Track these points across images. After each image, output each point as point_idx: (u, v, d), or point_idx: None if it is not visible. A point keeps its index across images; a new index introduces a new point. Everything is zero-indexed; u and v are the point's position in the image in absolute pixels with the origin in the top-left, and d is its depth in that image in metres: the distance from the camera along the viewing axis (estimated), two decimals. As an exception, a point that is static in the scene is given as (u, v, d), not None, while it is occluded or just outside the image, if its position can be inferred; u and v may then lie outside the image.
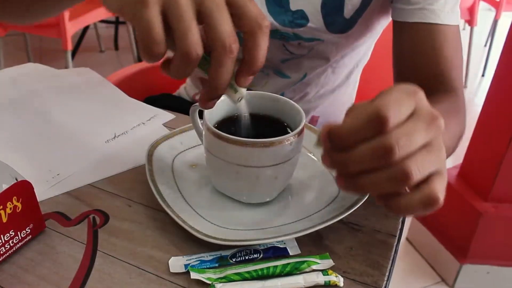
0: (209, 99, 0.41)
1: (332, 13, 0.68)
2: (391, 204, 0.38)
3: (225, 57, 0.38)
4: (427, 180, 0.37)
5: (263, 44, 0.39)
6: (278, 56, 0.75)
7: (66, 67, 2.09)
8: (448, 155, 0.64)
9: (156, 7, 0.36)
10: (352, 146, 0.36)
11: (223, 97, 0.50)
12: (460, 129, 0.63)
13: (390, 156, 0.35)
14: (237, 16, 0.39)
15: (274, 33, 0.71)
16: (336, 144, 0.37)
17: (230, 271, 0.41)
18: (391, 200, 0.38)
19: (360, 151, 0.36)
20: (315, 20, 0.68)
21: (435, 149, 0.37)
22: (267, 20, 0.39)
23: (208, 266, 0.42)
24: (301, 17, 0.69)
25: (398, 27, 0.68)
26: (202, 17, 0.37)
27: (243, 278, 0.40)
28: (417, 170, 0.35)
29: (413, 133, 0.35)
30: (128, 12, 0.38)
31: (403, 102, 0.36)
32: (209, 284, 0.40)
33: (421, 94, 0.38)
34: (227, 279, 0.40)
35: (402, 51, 0.69)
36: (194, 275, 0.40)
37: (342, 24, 0.69)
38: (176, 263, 0.42)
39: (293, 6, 0.68)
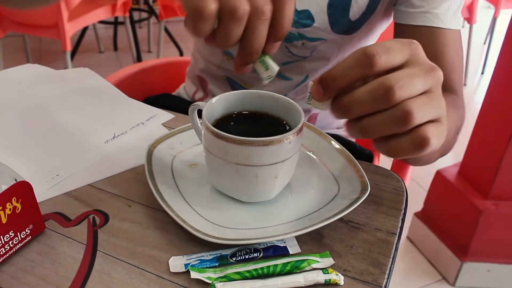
0: (243, 64, 0.43)
1: (338, 13, 0.68)
2: (381, 145, 0.39)
3: (257, 19, 0.39)
4: (422, 124, 0.37)
5: (288, 8, 0.40)
6: (280, 58, 0.75)
7: (66, 68, 2.09)
8: (448, 148, 0.64)
9: None
10: (344, 88, 0.37)
11: (222, 95, 0.50)
12: (458, 122, 0.63)
13: (390, 96, 0.35)
14: None
15: None
16: (329, 88, 0.38)
17: (230, 270, 0.41)
18: (381, 142, 0.38)
19: (360, 93, 0.36)
20: (321, 20, 0.68)
21: (435, 97, 0.38)
22: None
23: (208, 266, 0.42)
24: (306, 17, 0.69)
25: (400, 30, 0.68)
26: None
27: (243, 277, 0.40)
28: (418, 111, 0.36)
29: (412, 77, 0.36)
30: None
31: (394, 47, 0.37)
32: (209, 283, 0.40)
33: (416, 45, 0.38)
34: (227, 278, 0.40)
35: None
36: (194, 275, 0.40)
37: (347, 25, 0.69)
38: (176, 263, 0.42)
39: (299, 6, 0.68)
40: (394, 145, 0.38)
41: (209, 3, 0.38)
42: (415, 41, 0.39)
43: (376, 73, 0.36)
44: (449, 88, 0.67)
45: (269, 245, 0.44)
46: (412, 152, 0.37)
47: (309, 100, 0.41)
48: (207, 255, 0.43)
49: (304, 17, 0.69)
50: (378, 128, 0.37)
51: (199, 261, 0.42)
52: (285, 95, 0.79)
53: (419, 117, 0.36)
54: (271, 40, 0.42)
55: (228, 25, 0.39)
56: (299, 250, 0.45)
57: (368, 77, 0.37)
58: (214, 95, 0.86)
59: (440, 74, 0.38)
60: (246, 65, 0.43)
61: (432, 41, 0.65)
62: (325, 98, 0.39)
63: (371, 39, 0.78)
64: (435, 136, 0.37)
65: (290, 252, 0.44)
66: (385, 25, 0.76)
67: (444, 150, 0.64)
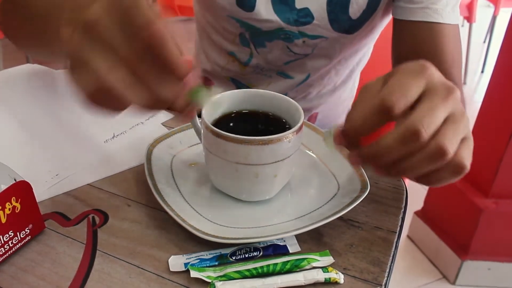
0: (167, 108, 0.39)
1: (337, 10, 0.68)
2: (425, 180, 0.40)
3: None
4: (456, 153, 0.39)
5: (168, 52, 0.36)
6: (282, 58, 0.75)
7: (66, 68, 2.08)
8: None
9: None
10: (367, 138, 0.38)
11: (221, 94, 0.50)
12: None
13: (419, 138, 0.36)
14: None
15: (278, 31, 0.71)
16: (353, 140, 0.39)
17: (230, 269, 0.41)
18: (426, 176, 0.39)
19: (388, 140, 0.37)
20: (320, 17, 0.68)
21: (458, 119, 0.38)
22: (153, 25, 0.36)
23: (208, 265, 0.42)
24: (306, 15, 0.69)
25: (399, 25, 0.68)
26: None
27: (243, 276, 0.40)
28: (451, 144, 0.37)
29: (433, 110, 0.37)
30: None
31: (409, 85, 0.37)
32: (209, 282, 0.40)
33: (431, 70, 0.38)
34: (227, 277, 0.40)
35: (403, 49, 0.69)
36: (194, 274, 0.40)
37: (347, 24, 0.69)
38: (176, 262, 0.42)
39: (298, 4, 0.68)
40: (435, 178, 0.39)
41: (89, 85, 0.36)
42: (428, 65, 0.39)
43: (397, 116, 0.37)
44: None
45: (269, 244, 0.44)
46: (452, 179, 0.40)
47: (327, 141, 0.42)
48: (207, 254, 0.43)
49: (303, 15, 0.69)
50: (418, 168, 0.38)
51: (198, 260, 0.42)
52: (286, 94, 0.79)
53: (452, 149, 0.37)
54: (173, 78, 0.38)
55: (114, 97, 0.36)
56: (298, 249, 0.45)
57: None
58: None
59: (457, 94, 0.38)
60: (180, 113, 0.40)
61: (431, 37, 0.65)
62: (348, 145, 0.40)
63: (372, 38, 0.78)
64: (468, 158, 0.40)
65: (290, 251, 0.44)
66: (385, 23, 0.76)
67: None
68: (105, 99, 0.37)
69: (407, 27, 0.66)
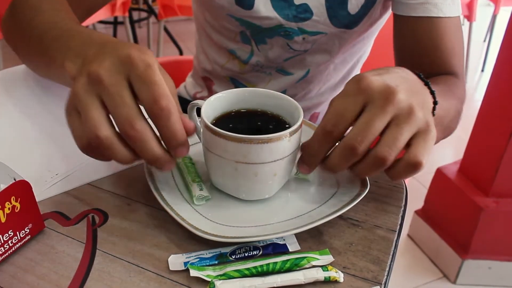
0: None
1: (336, 6, 0.68)
2: (387, 174, 0.44)
3: (132, 142, 0.40)
4: (408, 144, 0.42)
5: (167, 123, 0.41)
6: (282, 55, 0.75)
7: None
8: (451, 130, 0.64)
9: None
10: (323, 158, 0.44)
11: (220, 93, 0.50)
12: (458, 103, 0.63)
13: (356, 152, 0.41)
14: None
15: (278, 28, 0.71)
16: (310, 164, 0.45)
17: (229, 268, 0.41)
18: (386, 172, 0.44)
19: (333, 158, 0.43)
20: (319, 13, 0.69)
21: (402, 119, 0.41)
22: (164, 100, 0.40)
23: (207, 264, 0.42)
24: (305, 11, 0.69)
25: (400, 21, 0.68)
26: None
27: (243, 275, 0.40)
28: (390, 150, 0.40)
29: (368, 123, 0.40)
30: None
31: (346, 106, 0.41)
32: (209, 281, 0.40)
33: (367, 80, 0.41)
34: (227, 276, 0.40)
35: (404, 43, 0.69)
36: (193, 273, 0.40)
37: (346, 19, 0.69)
38: (176, 261, 0.42)
39: (297, 0, 0.68)
40: (393, 175, 0.43)
41: (81, 141, 0.42)
42: (364, 76, 0.42)
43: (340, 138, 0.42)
44: (450, 72, 0.67)
45: (268, 242, 0.44)
46: (411, 174, 0.43)
47: (297, 174, 0.52)
48: (207, 253, 0.43)
49: (302, 11, 0.69)
50: (366, 172, 0.43)
51: (198, 259, 0.42)
52: (285, 91, 0.79)
53: (393, 154, 0.41)
54: (169, 148, 0.43)
55: (100, 152, 0.42)
56: (298, 248, 0.44)
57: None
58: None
59: (397, 94, 0.40)
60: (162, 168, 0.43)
61: (432, 31, 0.65)
62: (310, 171, 0.46)
63: (371, 34, 0.78)
64: (424, 153, 0.41)
65: (290, 250, 0.44)
66: (384, 19, 0.76)
67: (447, 132, 0.64)
68: (94, 150, 0.43)
69: (407, 22, 0.66)
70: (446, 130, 0.63)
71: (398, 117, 0.41)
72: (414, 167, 0.42)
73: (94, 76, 0.39)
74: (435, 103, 0.49)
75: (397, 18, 0.68)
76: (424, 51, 0.67)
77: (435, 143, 0.66)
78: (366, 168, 0.42)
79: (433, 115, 0.48)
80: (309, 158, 0.45)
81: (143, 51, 0.40)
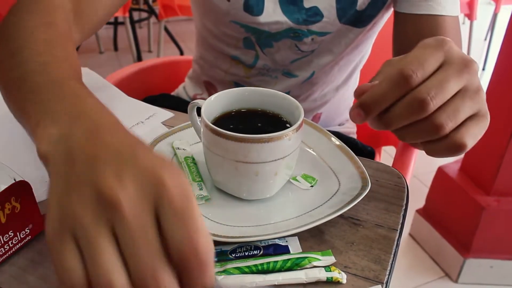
0: None
1: (346, 7, 0.68)
2: (422, 146, 0.42)
3: None
4: (460, 124, 0.39)
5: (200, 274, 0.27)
6: (289, 57, 0.75)
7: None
8: None
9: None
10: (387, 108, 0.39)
11: (221, 92, 0.50)
12: None
13: (425, 108, 0.37)
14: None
15: (287, 31, 0.70)
16: (371, 111, 0.40)
17: (229, 266, 0.41)
18: (423, 145, 0.41)
19: (398, 109, 0.39)
20: (329, 14, 0.68)
21: (469, 94, 0.39)
22: (203, 248, 0.28)
23: (208, 262, 0.42)
24: (315, 13, 0.68)
25: (402, 19, 0.67)
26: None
27: (243, 272, 0.40)
28: (449, 120, 0.38)
29: (444, 82, 0.38)
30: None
31: (428, 56, 0.38)
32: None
33: (450, 44, 0.39)
34: (227, 273, 0.40)
35: (405, 42, 0.69)
36: (194, 271, 0.40)
37: (353, 16, 0.69)
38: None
39: (307, 4, 0.68)
40: (431, 149, 0.41)
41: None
42: (447, 40, 0.40)
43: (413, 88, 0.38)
44: None
45: (270, 243, 0.44)
46: (449, 155, 0.40)
47: (294, 178, 0.50)
48: (207, 252, 0.43)
49: (312, 14, 0.68)
50: (413, 136, 0.40)
51: (199, 258, 0.42)
52: (288, 93, 0.79)
53: (450, 126, 0.38)
54: None
55: None
56: (300, 251, 0.44)
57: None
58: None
59: (475, 66, 0.39)
60: None
61: (434, 29, 0.65)
62: (366, 120, 0.41)
63: (373, 34, 0.78)
64: (471, 137, 0.39)
65: (291, 252, 0.44)
66: (385, 18, 0.76)
67: None
68: None
69: (410, 20, 0.66)
70: None
71: (467, 90, 0.39)
72: (458, 148, 0.39)
73: (109, 195, 0.26)
74: None
75: (399, 16, 0.68)
76: None
77: None
78: (416, 133, 0.39)
79: None
80: (372, 103, 0.40)
81: (176, 173, 0.28)
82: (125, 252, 0.26)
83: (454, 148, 0.39)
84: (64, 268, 0.26)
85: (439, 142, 0.40)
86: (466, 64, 0.39)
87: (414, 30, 0.66)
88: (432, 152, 0.41)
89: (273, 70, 0.78)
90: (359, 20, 0.70)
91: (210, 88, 0.87)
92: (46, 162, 0.33)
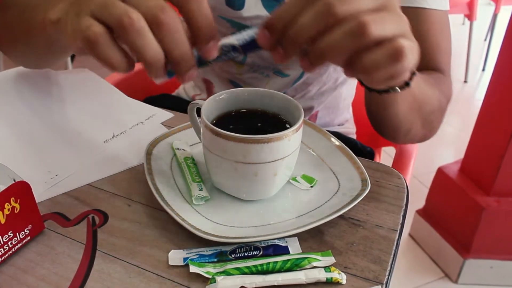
0: (182, 74, 0.40)
1: None
2: (356, 66, 0.37)
3: (159, 30, 0.36)
4: (390, 39, 0.36)
5: (196, 8, 0.36)
6: None
7: (66, 69, 2.09)
8: (426, 124, 0.62)
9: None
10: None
11: (220, 93, 0.50)
12: (442, 99, 0.62)
13: (332, 11, 0.34)
14: None
15: None
16: (277, 30, 0.37)
17: (229, 266, 0.41)
18: (355, 62, 0.37)
19: (301, 19, 0.36)
20: None
21: (393, 12, 0.37)
22: None
23: (207, 261, 0.42)
24: None
25: None
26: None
27: (242, 273, 0.40)
28: (374, 22, 0.35)
29: None
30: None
31: None
32: (208, 278, 0.40)
33: None
34: (226, 274, 0.40)
35: None
36: (193, 269, 0.40)
37: None
38: (176, 256, 0.42)
39: None
40: (368, 61, 0.36)
41: (94, 27, 0.36)
42: None
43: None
44: (436, 69, 0.66)
45: (270, 244, 0.44)
46: (390, 65, 0.36)
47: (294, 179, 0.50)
48: (207, 250, 0.43)
49: None
50: (337, 46, 0.36)
51: (198, 256, 0.42)
52: (284, 93, 0.79)
53: (378, 29, 0.35)
54: (198, 43, 0.38)
55: (126, 40, 0.36)
56: (300, 251, 0.44)
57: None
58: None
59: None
60: (185, 73, 0.40)
61: (416, 22, 0.63)
62: (272, 40, 0.38)
63: None
64: (409, 49, 0.36)
65: (291, 253, 0.44)
66: None
67: (427, 126, 0.62)
68: (107, 42, 0.37)
69: None
70: (426, 121, 0.61)
71: (387, 6, 0.36)
72: (396, 53, 0.36)
73: None
74: (413, 73, 0.47)
75: None
76: None
77: (415, 138, 0.64)
78: (338, 39, 0.35)
79: (408, 85, 0.47)
80: (274, 18, 0.37)
81: None
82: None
83: (393, 53, 0.36)
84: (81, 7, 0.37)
85: (376, 51, 0.36)
86: None
87: None
88: (371, 65, 0.36)
89: (263, 68, 0.78)
90: None
91: (209, 86, 0.87)
92: (57, 23, 0.42)
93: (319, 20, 0.35)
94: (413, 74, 0.47)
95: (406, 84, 0.47)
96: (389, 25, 0.36)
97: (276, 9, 0.37)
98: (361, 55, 0.36)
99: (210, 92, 0.88)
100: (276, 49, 0.38)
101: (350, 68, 0.38)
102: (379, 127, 0.66)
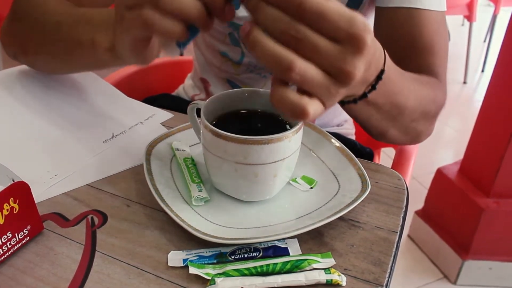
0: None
1: None
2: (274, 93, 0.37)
3: None
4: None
5: None
6: None
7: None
8: (414, 130, 0.60)
9: None
10: None
11: (220, 93, 0.50)
12: (429, 101, 0.59)
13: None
14: None
15: None
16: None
17: (229, 267, 0.40)
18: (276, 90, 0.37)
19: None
20: None
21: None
22: None
23: (206, 262, 0.42)
24: None
25: (379, 13, 0.65)
26: None
27: (242, 274, 0.40)
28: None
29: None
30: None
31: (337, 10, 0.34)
32: (208, 279, 0.40)
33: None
34: (226, 275, 0.40)
35: (380, 37, 0.67)
36: (192, 270, 0.40)
37: None
38: (175, 257, 0.42)
39: None
40: (277, 95, 0.36)
41: (142, 12, 0.38)
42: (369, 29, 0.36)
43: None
44: (429, 71, 0.63)
45: (269, 245, 0.44)
46: (291, 116, 0.36)
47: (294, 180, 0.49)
48: (206, 252, 0.43)
49: None
50: (265, 54, 0.35)
51: (197, 257, 0.42)
52: None
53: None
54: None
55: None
56: (299, 253, 0.44)
57: None
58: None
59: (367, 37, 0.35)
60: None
61: (410, 23, 0.62)
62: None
63: None
64: (313, 107, 0.36)
65: (291, 254, 0.44)
66: (372, 15, 0.74)
67: (409, 132, 0.60)
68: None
69: (385, 14, 0.64)
70: (406, 128, 0.58)
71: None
72: (299, 112, 0.35)
73: None
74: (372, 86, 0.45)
75: (377, 11, 0.66)
76: (400, 44, 0.63)
77: (387, 137, 0.61)
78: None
79: (380, 78, 0.44)
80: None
81: None
82: None
83: (295, 110, 0.36)
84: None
85: (288, 93, 0.36)
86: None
87: (389, 24, 0.64)
88: (276, 97, 0.36)
89: (260, 68, 0.77)
90: None
91: (206, 86, 0.87)
92: (112, 49, 0.48)
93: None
94: (372, 87, 0.45)
95: (363, 96, 0.45)
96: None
97: None
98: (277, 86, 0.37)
99: (207, 92, 0.88)
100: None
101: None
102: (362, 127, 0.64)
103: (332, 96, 0.37)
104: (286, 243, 0.44)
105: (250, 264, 0.41)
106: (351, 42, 0.35)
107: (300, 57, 0.35)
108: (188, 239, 0.45)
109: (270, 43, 0.35)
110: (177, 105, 0.80)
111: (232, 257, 0.42)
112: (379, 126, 0.56)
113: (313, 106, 0.36)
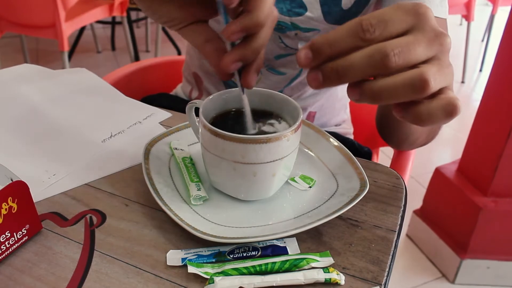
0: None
1: (330, 2, 0.67)
2: (410, 113, 0.37)
3: None
4: (440, 91, 0.36)
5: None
6: (274, 50, 0.75)
7: (63, 68, 2.08)
8: (433, 134, 0.63)
9: None
10: (333, 56, 0.36)
11: (219, 93, 0.50)
12: None
13: (386, 62, 0.34)
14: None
15: None
16: (319, 53, 0.36)
17: (227, 266, 0.40)
18: (410, 109, 0.37)
19: (355, 57, 0.35)
20: (313, 9, 0.68)
21: (444, 64, 0.37)
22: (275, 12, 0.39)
23: (205, 261, 0.42)
24: (299, 5, 0.68)
25: None
26: None
27: (241, 273, 0.40)
28: (433, 78, 0.35)
29: (411, 44, 0.35)
30: None
31: (394, 16, 0.36)
32: (207, 279, 0.40)
33: (423, 12, 0.36)
34: (225, 274, 0.40)
35: None
36: (191, 269, 0.40)
37: (339, 15, 0.69)
38: (174, 256, 0.42)
39: None
40: (425, 112, 0.36)
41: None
42: (424, 5, 0.37)
43: (370, 43, 0.35)
44: None
45: (268, 244, 0.44)
46: (444, 119, 0.36)
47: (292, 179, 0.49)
48: (205, 251, 0.43)
49: (296, 6, 0.68)
50: (395, 93, 0.35)
51: (196, 256, 0.42)
52: (281, 91, 0.79)
53: (437, 83, 0.35)
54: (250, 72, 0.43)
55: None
56: (298, 252, 0.44)
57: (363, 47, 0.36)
58: (209, 93, 0.85)
59: (447, 41, 0.37)
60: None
61: None
62: (313, 63, 0.37)
63: None
64: (458, 102, 0.36)
65: (289, 253, 0.44)
66: None
67: (431, 134, 0.63)
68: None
69: None
70: (431, 131, 0.62)
71: (438, 57, 0.36)
72: (453, 108, 0.35)
73: None
74: None
75: None
76: None
77: (419, 142, 0.64)
78: (397, 85, 0.35)
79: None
80: (322, 43, 0.36)
81: None
82: None
83: (449, 108, 0.36)
84: None
85: (432, 103, 0.36)
86: (437, 35, 0.36)
87: None
88: (424, 114, 0.37)
89: None
90: (345, 19, 0.69)
91: (198, 81, 0.87)
92: None
93: (371, 66, 0.35)
94: None
95: None
96: (444, 77, 0.36)
97: (326, 34, 0.36)
98: (417, 104, 0.37)
99: (200, 88, 0.87)
100: (315, 74, 0.37)
101: (400, 109, 0.38)
102: (387, 137, 0.66)
103: (450, 73, 0.37)
104: (284, 242, 0.44)
105: (249, 263, 0.41)
106: (416, 20, 0.36)
107: (418, 68, 0.35)
108: (186, 238, 0.45)
109: (389, 81, 0.35)
110: (176, 104, 0.80)
111: (231, 256, 0.42)
112: (419, 131, 0.58)
113: (452, 93, 0.37)
